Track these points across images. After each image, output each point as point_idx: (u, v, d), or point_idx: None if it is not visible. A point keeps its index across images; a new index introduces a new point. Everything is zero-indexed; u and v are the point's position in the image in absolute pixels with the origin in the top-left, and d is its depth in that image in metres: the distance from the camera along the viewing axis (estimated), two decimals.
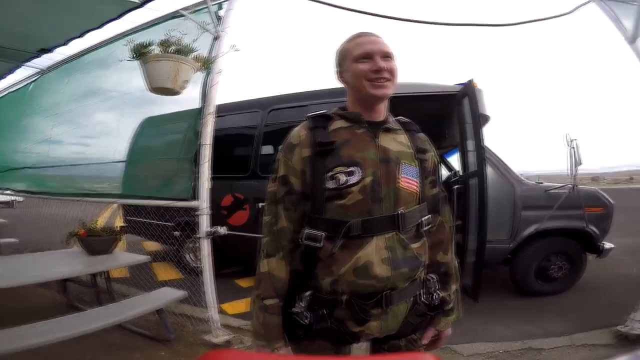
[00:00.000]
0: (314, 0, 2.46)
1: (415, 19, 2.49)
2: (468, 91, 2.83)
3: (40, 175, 3.73)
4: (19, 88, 4.31)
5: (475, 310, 2.68)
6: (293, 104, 3.52)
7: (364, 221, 0.82)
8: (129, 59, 1.97)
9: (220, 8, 2.37)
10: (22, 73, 3.96)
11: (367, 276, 0.81)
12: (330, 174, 0.83)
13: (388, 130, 0.90)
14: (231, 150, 4.00)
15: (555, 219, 2.97)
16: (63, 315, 2.03)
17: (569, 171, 2.88)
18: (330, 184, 0.83)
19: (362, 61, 0.86)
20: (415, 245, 0.87)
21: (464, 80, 3.07)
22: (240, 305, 3.07)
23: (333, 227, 0.82)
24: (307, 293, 0.86)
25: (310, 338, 0.87)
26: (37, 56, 3.35)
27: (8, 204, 9.74)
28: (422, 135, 0.99)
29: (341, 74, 0.93)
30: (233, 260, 3.92)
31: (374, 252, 0.81)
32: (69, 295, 2.83)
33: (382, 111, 0.91)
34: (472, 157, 2.93)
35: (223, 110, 3.87)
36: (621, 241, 3.19)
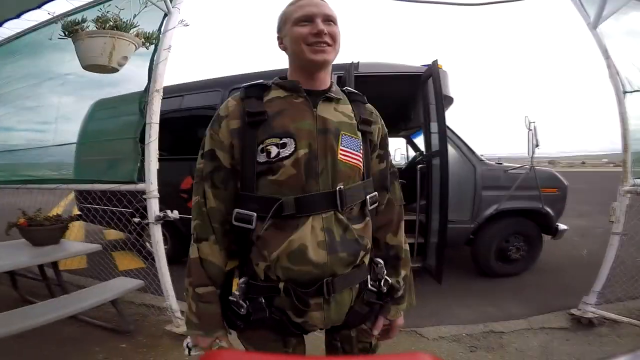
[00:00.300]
0: None
1: None
2: (432, 72, 2.80)
3: None
4: None
5: (439, 292, 2.74)
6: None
7: (297, 199, 0.75)
8: (60, 36, 1.81)
9: None
10: None
11: (303, 261, 0.74)
12: (261, 146, 0.76)
13: (329, 99, 0.83)
14: (192, 131, 3.84)
15: (514, 199, 3.04)
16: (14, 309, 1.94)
17: (528, 152, 2.95)
18: (262, 158, 0.76)
19: (302, 24, 0.79)
20: (357, 227, 0.80)
21: (429, 62, 3.04)
22: None
23: (265, 206, 0.75)
24: (242, 280, 0.80)
25: (251, 328, 0.81)
26: None
27: None
28: (368, 106, 0.92)
29: (281, 39, 0.85)
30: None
31: (309, 234, 0.74)
32: (20, 289, 2.71)
33: (324, 79, 0.84)
34: (435, 138, 2.94)
35: (183, 90, 3.69)
36: (573, 222, 3.34)
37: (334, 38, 0.80)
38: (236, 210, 0.79)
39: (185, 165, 3.36)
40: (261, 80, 0.86)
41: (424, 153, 3.33)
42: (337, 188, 0.78)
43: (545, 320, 2.38)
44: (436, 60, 2.85)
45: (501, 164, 3.30)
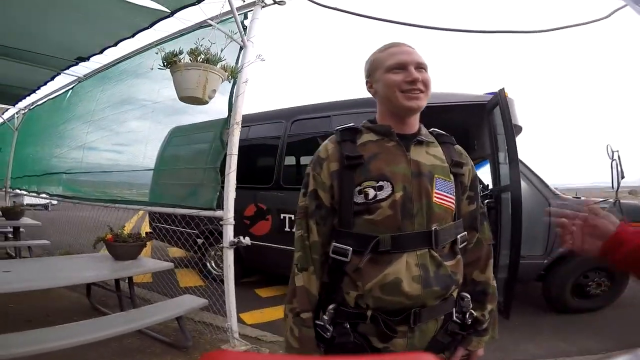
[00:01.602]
0: (336, 9, 2.45)
1: (444, 27, 2.43)
2: (500, 101, 2.72)
3: (74, 181, 3.90)
4: (57, 95, 4.53)
5: (505, 327, 2.55)
6: (316, 114, 3.52)
7: (394, 237, 0.79)
8: (160, 67, 1.99)
9: (245, 17, 2.40)
10: (61, 81, 4.16)
11: (396, 293, 0.78)
12: (358, 188, 0.81)
13: (420, 143, 0.87)
14: (255, 161, 4.04)
15: None
16: (86, 318, 2.08)
17: (612, 184, 2.69)
18: (359, 199, 0.81)
19: (396, 72, 0.83)
20: (449, 263, 0.83)
21: (494, 90, 2.96)
22: (259, 316, 3.05)
23: (361, 242, 0.81)
24: (331, 306, 0.84)
25: (332, 352, 0.84)
26: (75, 64, 3.49)
27: (44, 207, 10.36)
28: (458, 147, 0.94)
29: (371, 84, 0.90)
30: (254, 269, 3.92)
31: (404, 269, 0.79)
32: (92, 298, 2.91)
33: (414, 124, 0.88)
34: (504, 170, 2.79)
35: (247, 121, 3.93)
36: None
37: (426, 85, 0.84)
38: (334, 244, 0.84)
39: (248, 194, 3.54)
40: (352, 124, 0.91)
41: (490, 186, 3.17)
42: (433, 228, 0.81)
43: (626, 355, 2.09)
44: (503, 89, 2.77)
45: (579, 197, 3.03)
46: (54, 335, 1.72)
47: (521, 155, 2.82)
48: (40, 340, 1.64)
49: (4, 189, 5.46)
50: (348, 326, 0.82)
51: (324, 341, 0.84)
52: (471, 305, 0.89)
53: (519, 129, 3.34)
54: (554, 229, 2.83)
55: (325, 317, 0.83)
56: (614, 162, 2.66)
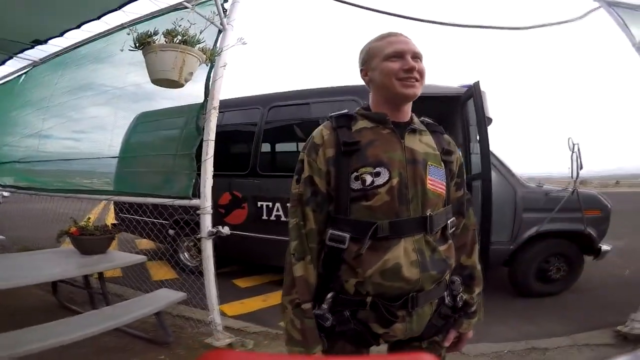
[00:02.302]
0: None
1: (424, 19, 2.45)
2: (475, 93, 2.82)
3: (29, 170, 3.57)
4: (8, 80, 4.11)
5: None
6: (294, 101, 3.47)
7: (392, 223, 0.81)
8: (131, 48, 1.83)
9: (225, 0, 2.28)
10: (13, 65, 3.78)
11: (396, 278, 0.80)
12: (355, 174, 0.82)
13: (414, 131, 0.89)
14: (230, 147, 3.93)
15: (556, 221, 3.01)
16: (55, 317, 1.95)
17: (571, 174, 2.91)
18: (356, 185, 0.82)
19: (393, 60, 0.85)
20: (442, 248, 0.87)
21: (468, 82, 3.06)
22: (239, 307, 3.02)
23: (359, 229, 0.81)
24: (329, 295, 0.85)
25: (332, 340, 0.86)
26: (31, 47, 3.19)
27: None
28: (446, 136, 0.98)
29: (366, 72, 0.91)
30: (230, 259, 3.84)
31: (402, 254, 0.81)
32: (59, 295, 2.74)
33: (407, 112, 0.91)
34: (475, 159, 2.92)
35: (223, 107, 3.79)
36: (613, 243, 3.29)
37: (421, 74, 0.86)
38: (330, 231, 0.84)
39: (223, 182, 3.43)
40: (346, 111, 0.92)
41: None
42: (428, 214, 0.84)
43: (589, 337, 2.34)
44: (478, 82, 2.87)
45: (542, 186, 3.26)
46: (30, 337, 1.61)
47: (492, 146, 2.96)
48: (11, 345, 1.52)
49: None
50: (348, 314, 0.83)
51: (323, 330, 0.84)
52: (461, 289, 0.93)
53: (489, 121, 3.50)
54: (520, 216, 3.03)
55: (324, 306, 0.84)
56: (574, 154, 2.87)
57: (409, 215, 0.82)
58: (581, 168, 2.86)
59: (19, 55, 3.39)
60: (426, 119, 0.97)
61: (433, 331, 0.90)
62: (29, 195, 3.71)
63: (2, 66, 3.70)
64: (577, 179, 2.87)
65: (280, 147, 3.87)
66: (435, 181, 0.86)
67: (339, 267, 0.84)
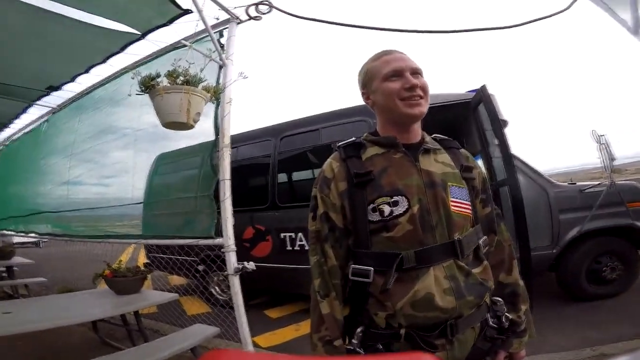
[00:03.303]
0: (314, 20, 2.40)
1: (414, 29, 2.42)
2: (483, 97, 2.74)
3: (62, 217, 3.75)
4: (33, 128, 4.36)
5: None
6: (304, 129, 3.48)
7: (417, 252, 0.77)
8: (137, 92, 1.88)
9: (221, 35, 2.33)
10: (34, 113, 4.01)
11: (430, 309, 0.76)
12: (372, 205, 0.79)
13: (427, 151, 0.85)
14: (248, 182, 3.98)
15: (598, 218, 2.82)
16: (98, 354, 2.01)
17: (603, 167, 2.75)
18: (374, 217, 0.79)
19: (392, 79, 0.82)
20: (477, 270, 0.82)
21: (475, 87, 2.98)
22: (272, 337, 3.01)
23: (382, 261, 0.78)
24: (359, 329, 0.81)
25: None
26: (47, 94, 3.35)
27: (35, 244, 10.12)
28: (463, 151, 0.93)
29: (368, 95, 0.88)
30: (259, 291, 3.87)
31: (434, 283, 0.76)
32: (100, 332, 2.84)
33: (417, 131, 0.86)
34: (497, 164, 2.81)
35: (235, 141, 3.86)
36: None
37: (424, 90, 0.83)
38: (352, 265, 0.82)
39: (245, 217, 3.49)
40: (353, 139, 0.88)
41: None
42: (456, 238, 0.79)
43: None
44: (484, 85, 2.80)
45: (574, 183, 3.08)
46: None
47: (512, 149, 2.85)
48: None
49: None
50: (381, 347, 0.79)
51: None
52: (505, 309, 0.87)
53: (505, 123, 3.38)
54: (557, 218, 2.86)
55: (355, 341, 0.80)
56: (602, 146, 2.71)
57: (436, 242, 0.78)
58: (613, 159, 2.69)
59: (37, 102, 3.58)
60: (439, 136, 0.93)
61: (480, 355, 0.84)
62: (65, 241, 3.91)
63: (25, 114, 3.92)
64: (611, 171, 2.69)
65: (296, 176, 3.90)
66: (459, 202, 0.81)
67: (366, 300, 0.80)
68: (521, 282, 0.93)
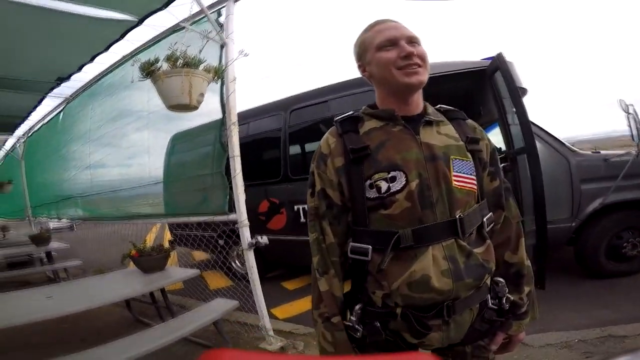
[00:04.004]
0: None
1: None
2: (500, 65, 2.60)
3: (89, 202, 3.98)
4: (50, 119, 4.57)
5: (542, 297, 2.50)
6: (313, 101, 3.46)
7: (415, 230, 0.73)
8: (140, 78, 1.92)
9: (219, 15, 2.31)
10: (48, 104, 4.19)
11: (425, 290, 0.73)
12: (369, 182, 0.75)
13: (429, 123, 0.80)
14: (261, 156, 4.02)
15: (622, 190, 2.65)
16: (132, 330, 2.16)
17: (632, 137, 2.58)
18: (371, 193, 0.75)
19: (387, 49, 0.77)
20: (479, 250, 0.78)
21: (491, 55, 2.82)
22: (289, 309, 3.12)
23: (380, 239, 0.75)
24: (358, 306, 0.81)
25: (365, 350, 0.82)
26: (57, 85, 3.48)
27: (69, 228, 10.87)
28: (470, 121, 0.87)
29: (364, 67, 0.84)
30: (277, 263, 3.98)
31: (431, 264, 0.73)
32: (133, 311, 3.02)
33: (418, 102, 0.81)
34: (515, 131, 2.69)
35: (246, 117, 3.86)
36: None
37: (422, 58, 0.77)
38: (351, 244, 0.80)
39: (260, 191, 3.56)
40: (351, 112, 0.85)
41: (503, 150, 3.09)
42: (457, 216, 0.75)
43: None
44: (501, 53, 2.65)
45: (599, 152, 2.92)
46: (109, 352, 1.83)
47: (531, 117, 2.72)
48: (100, 358, 1.76)
49: (27, 218, 5.67)
50: (378, 324, 0.79)
51: (355, 341, 0.81)
52: (507, 290, 0.83)
53: (524, 91, 3.20)
54: (578, 188, 2.73)
55: (353, 318, 0.80)
56: (630, 116, 2.54)
57: (435, 219, 0.74)
58: None
59: (50, 94, 3.72)
60: (443, 106, 0.87)
61: (476, 336, 0.83)
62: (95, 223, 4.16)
63: (40, 106, 4.09)
64: (639, 140, 2.52)
65: (307, 148, 3.90)
66: (462, 176, 0.77)
67: (365, 278, 0.80)
68: (527, 262, 0.88)
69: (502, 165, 2.90)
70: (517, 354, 1.94)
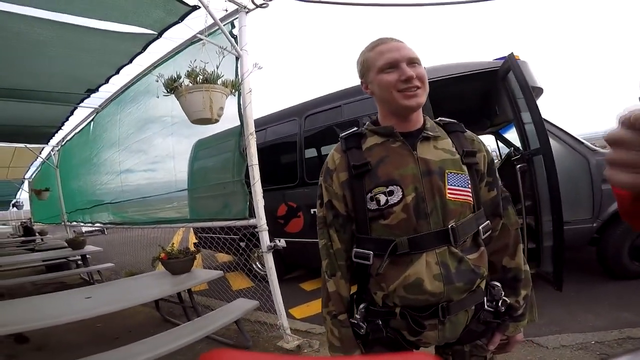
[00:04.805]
0: (322, 2, 2.38)
1: (430, 2, 2.30)
2: (511, 65, 2.58)
3: (120, 207, 4.20)
4: (81, 129, 4.87)
5: (559, 299, 2.46)
6: (326, 106, 3.53)
7: (410, 239, 0.80)
8: (164, 93, 2.07)
9: (233, 26, 2.40)
10: (79, 114, 4.48)
11: (419, 292, 0.80)
12: (370, 195, 0.82)
13: (427, 139, 0.85)
14: (278, 161, 4.12)
15: None
16: (160, 329, 2.29)
17: None
18: (372, 205, 0.82)
19: (388, 71, 0.81)
20: (472, 257, 0.83)
21: (503, 55, 2.81)
22: (306, 309, 3.20)
23: (380, 246, 0.83)
24: (362, 306, 0.89)
25: (368, 346, 0.90)
26: (87, 96, 3.73)
27: (101, 231, 11.45)
28: (468, 134, 0.91)
29: (366, 85, 0.90)
30: (295, 265, 4.09)
31: (424, 269, 0.79)
32: (162, 311, 3.16)
33: (417, 119, 0.86)
34: (531, 132, 2.67)
35: (262, 124, 3.98)
36: None
37: (422, 80, 0.81)
38: (355, 249, 0.87)
39: (278, 195, 3.67)
40: (355, 129, 0.92)
41: (520, 149, 3.05)
42: (450, 226, 0.80)
43: None
44: (512, 53, 2.64)
45: None
46: (136, 351, 1.96)
47: (548, 115, 2.68)
48: (132, 355, 1.89)
49: (62, 223, 6.05)
50: (380, 323, 0.86)
51: (359, 337, 0.89)
52: (503, 293, 0.88)
53: (539, 91, 3.14)
54: (599, 188, 2.67)
55: (358, 316, 0.88)
56: None
57: (429, 229, 0.80)
58: None
59: (80, 105, 3.99)
60: (444, 119, 0.92)
61: (473, 336, 0.89)
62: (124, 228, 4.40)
63: (72, 117, 4.39)
64: None
65: (323, 152, 3.98)
66: (456, 189, 0.82)
67: (368, 280, 0.88)
68: (525, 267, 0.93)
69: (520, 166, 2.85)
70: (531, 355, 1.94)
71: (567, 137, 2.76)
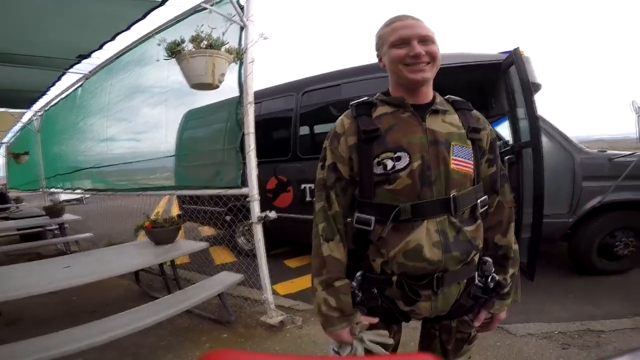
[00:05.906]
0: None
1: None
2: (515, 60, 2.63)
3: (103, 173, 4.07)
4: (68, 94, 4.65)
5: (530, 289, 2.57)
6: (325, 84, 3.52)
7: (413, 205, 0.82)
8: (165, 57, 2.01)
9: None
10: (67, 80, 4.27)
11: (418, 259, 0.82)
12: (377, 159, 0.84)
13: (436, 112, 0.88)
14: (271, 135, 4.08)
15: (622, 190, 2.69)
16: (139, 303, 2.22)
17: (638, 138, 2.61)
18: (378, 170, 0.84)
19: (399, 47, 0.84)
20: (469, 229, 0.86)
21: (508, 49, 2.86)
22: (290, 286, 3.22)
23: (383, 211, 0.84)
24: (359, 273, 0.90)
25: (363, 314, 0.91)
26: (78, 62, 3.57)
27: (79, 201, 11.04)
28: (475, 112, 0.95)
29: (380, 58, 0.92)
30: (280, 241, 4.07)
31: (424, 236, 0.82)
32: (141, 283, 3.07)
33: (427, 93, 0.89)
34: (523, 126, 2.74)
35: (259, 97, 3.89)
36: None
37: (433, 56, 0.84)
38: (357, 214, 0.88)
39: (269, 168, 3.62)
40: (366, 98, 0.93)
41: (510, 143, 3.13)
42: (451, 195, 0.83)
43: None
44: (518, 48, 2.68)
45: (605, 151, 2.95)
46: (115, 324, 1.89)
47: (542, 112, 2.75)
48: (103, 331, 1.81)
49: (40, 189, 5.80)
50: (376, 291, 0.88)
51: (354, 306, 0.88)
52: (493, 269, 0.92)
53: (538, 87, 3.22)
54: (579, 185, 2.77)
55: (354, 284, 0.89)
56: (639, 117, 2.56)
57: (432, 196, 0.83)
58: None
59: (70, 70, 3.81)
60: (452, 97, 0.96)
61: (462, 311, 0.91)
62: (106, 195, 4.26)
63: (59, 82, 4.20)
64: None
65: (317, 129, 3.96)
66: (460, 160, 0.85)
67: (367, 247, 0.88)
68: (515, 247, 0.96)
69: (508, 157, 2.92)
70: (500, 342, 2.04)
71: (556, 133, 2.85)
